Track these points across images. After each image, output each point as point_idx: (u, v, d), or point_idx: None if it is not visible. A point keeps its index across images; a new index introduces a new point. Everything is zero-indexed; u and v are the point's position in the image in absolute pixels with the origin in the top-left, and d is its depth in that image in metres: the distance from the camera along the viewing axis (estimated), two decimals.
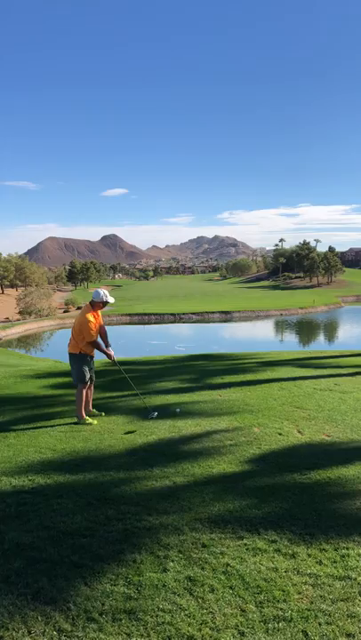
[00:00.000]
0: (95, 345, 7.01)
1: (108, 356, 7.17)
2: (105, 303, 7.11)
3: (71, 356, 7.10)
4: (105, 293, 7.10)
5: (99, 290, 7.17)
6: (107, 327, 7.35)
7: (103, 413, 7.34)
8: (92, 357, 7.18)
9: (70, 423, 6.85)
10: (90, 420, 6.87)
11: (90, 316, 6.94)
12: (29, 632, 2.72)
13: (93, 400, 7.48)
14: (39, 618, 2.83)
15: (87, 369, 7.06)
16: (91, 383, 7.23)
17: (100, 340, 7.11)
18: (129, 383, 7.89)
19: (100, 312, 7.18)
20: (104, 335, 7.22)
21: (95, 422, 6.83)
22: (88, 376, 7.06)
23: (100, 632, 2.72)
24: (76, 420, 6.92)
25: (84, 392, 7.01)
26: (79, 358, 7.03)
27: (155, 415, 7.05)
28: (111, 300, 7.20)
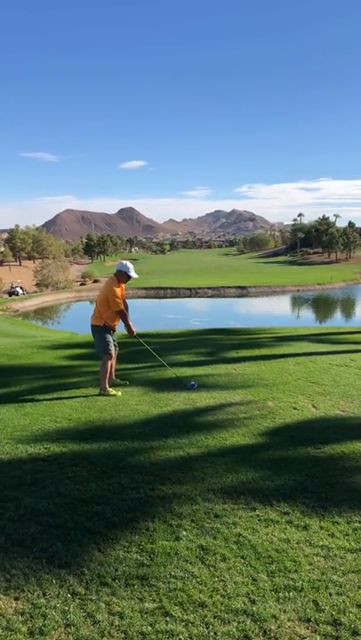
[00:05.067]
0: (121, 314, 6.94)
1: (129, 329, 7.11)
2: (129, 277, 7.03)
3: (94, 328, 7.07)
4: (130, 267, 7.02)
5: (123, 261, 7.14)
6: None
7: (127, 382, 7.38)
8: (114, 331, 7.16)
9: (86, 394, 6.90)
10: (113, 391, 6.89)
11: (116, 286, 6.91)
12: (44, 594, 2.78)
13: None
14: (54, 581, 2.89)
15: (110, 340, 7.04)
16: (115, 354, 7.25)
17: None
18: (145, 355, 7.91)
19: (124, 286, 7.12)
20: (126, 310, 7.18)
21: (119, 394, 6.82)
22: (112, 347, 7.05)
23: (112, 596, 2.77)
24: (98, 390, 6.93)
25: (109, 363, 7.01)
26: (102, 330, 7.00)
27: (195, 386, 7.06)
28: (135, 275, 7.10)
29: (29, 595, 2.78)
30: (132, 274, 7.03)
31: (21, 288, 69.04)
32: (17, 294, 65.32)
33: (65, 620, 2.59)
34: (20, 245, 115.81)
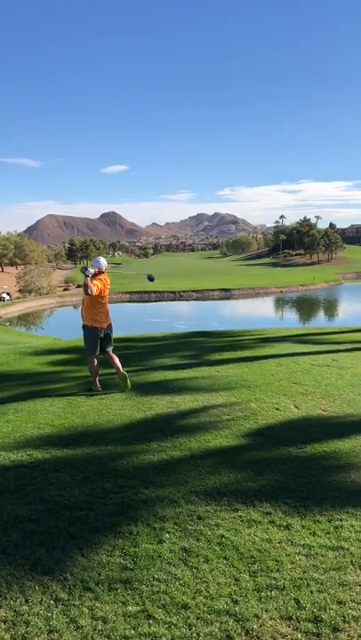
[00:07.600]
0: (84, 286, 7.19)
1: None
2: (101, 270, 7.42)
3: (110, 326, 7.50)
4: (100, 261, 7.49)
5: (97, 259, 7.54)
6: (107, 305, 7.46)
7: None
8: (103, 328, 7.48)
9: (69, 400, 6.87)
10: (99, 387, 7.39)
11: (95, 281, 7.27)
12: (27, 601, 2.78)
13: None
14: (36, 587, 2.88)
15: (95, 341, 7.42)
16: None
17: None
18: (128, 359, 7.90)
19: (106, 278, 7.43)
20: (103, 301, 7.45)
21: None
22: (96, 349, 7.46)
23: (96, 601, 2.77)
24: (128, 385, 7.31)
25: (92, 363, 7.44)
26: (88, 330, 7.40)
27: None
28: (105, 263, 7.58)
29: (12, 602, 2.77)
30: (103, 263, 7.54)
31: (8, 294, 68.99)
32: (3, 300, 65.33)
33: (48, 627, 2.59)
34: (1, 252, 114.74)
